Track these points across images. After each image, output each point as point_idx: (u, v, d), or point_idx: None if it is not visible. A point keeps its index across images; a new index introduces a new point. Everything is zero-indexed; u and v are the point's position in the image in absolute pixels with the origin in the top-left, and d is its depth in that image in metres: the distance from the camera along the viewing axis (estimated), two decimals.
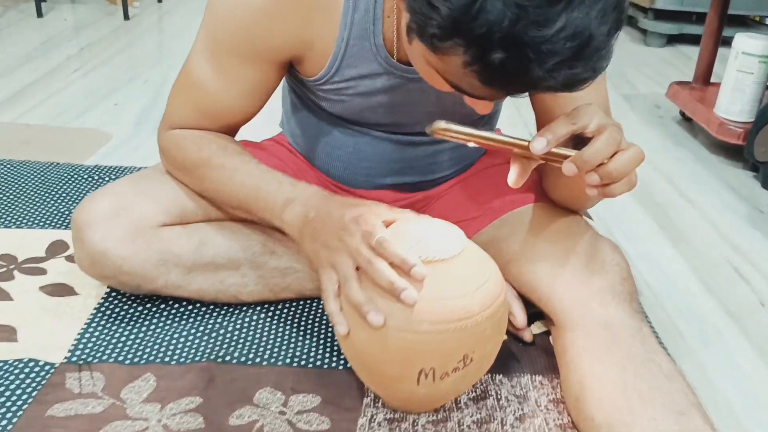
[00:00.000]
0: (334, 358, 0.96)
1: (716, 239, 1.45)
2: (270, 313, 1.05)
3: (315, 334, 1.02)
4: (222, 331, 1.01)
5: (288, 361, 0.95)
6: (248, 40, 0.90)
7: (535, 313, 1.00)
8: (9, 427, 0.83)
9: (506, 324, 0.85)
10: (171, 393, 0.89)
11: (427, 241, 0.79)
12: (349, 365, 0.92)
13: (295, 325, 1.03)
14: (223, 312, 1.05)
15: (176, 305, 1.06)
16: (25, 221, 1.27)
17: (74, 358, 0.94)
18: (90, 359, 0.95)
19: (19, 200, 1.35)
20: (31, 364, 0.93)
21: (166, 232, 0.98)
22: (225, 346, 0.98)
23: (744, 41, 1.78)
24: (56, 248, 1.19)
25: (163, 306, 1.05)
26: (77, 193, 1.39)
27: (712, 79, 2.05)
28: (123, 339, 0.99)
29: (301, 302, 1.08)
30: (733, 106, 1.80)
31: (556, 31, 0.60)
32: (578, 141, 0.78)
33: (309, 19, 0.88)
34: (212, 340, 0.99)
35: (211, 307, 1.05)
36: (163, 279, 0.99)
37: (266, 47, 0.91)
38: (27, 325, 1.00)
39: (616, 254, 0.92)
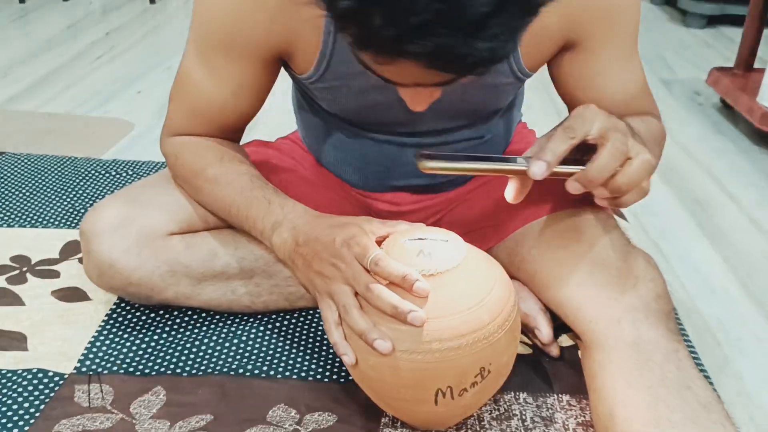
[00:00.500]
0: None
1: (758, 239, 1.38)
2: (285, 323, 1.01)
3: (331, 346, 0.97)
4: (236, 341, 0.97)
5: (303, 374, 0.92)
6: (231, 35, 0.86)
7: (562, 325, 0.95)
8: None
9: (520, 327, 0.80)
10: (181, 409, 0.86)
11: (426, 253, 0.74)
12: None
13: (311, 336, 0.99)
14: (236, 321, 1.01)
15: (189, 312, 1.02)
16: (39, 220, 1.25)
17: (84, 369, 0.92)
18: (100, 370, 0.92)
19: (35, 197, 1.32)
20: (40, 375, 0.90)
21: (174, 241, 0.94)
22: (238, 357, 0.94)
23: None
24: (70, 249, 1.16)
25: (176, 314, 1.02)
26: (94, 190, 1.36)
27: (756, 65, 1.95)
28: (134, 348, 0.96)
29: (318, 312, 1.04)
30: None
31: None
32: (584, 148, 0.73)
33: (292, 11, 0.83)
34: (225, 351, 0.96)
35: (225, 315, 1.02)
36: (173, 290, 0.96)
37: (249, 42, 0.86)
38: (38, 333, 0.98)
39: (651, 268, 0.86)
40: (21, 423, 0.83)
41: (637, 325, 0.80)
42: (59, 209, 1.29)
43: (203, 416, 0.85)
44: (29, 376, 0.90)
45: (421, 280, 0.71)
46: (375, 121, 0.97)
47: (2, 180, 1.38)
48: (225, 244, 0.97)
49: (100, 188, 1.37)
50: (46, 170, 1.43)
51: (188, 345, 0.97)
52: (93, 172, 1.43)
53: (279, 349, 0.96)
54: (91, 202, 1.32)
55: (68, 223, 1.24)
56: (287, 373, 0.92)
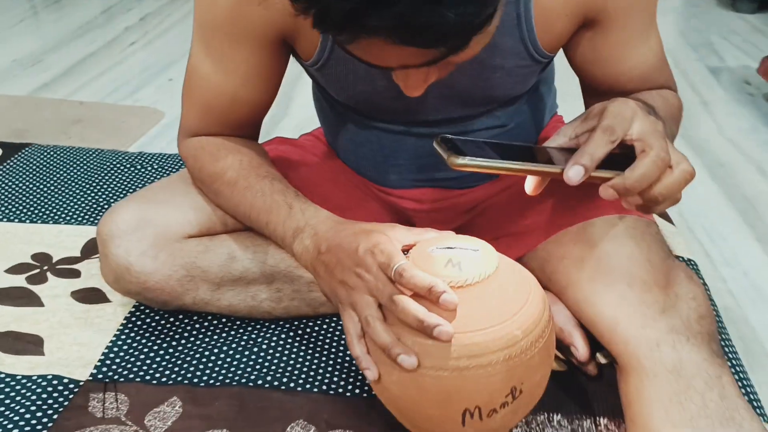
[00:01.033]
0: None
1: None
2: (308, 330, 0.98)
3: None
4: (255, 350, 0.94)
5: (324, 388, 0.88)
6: (232, 20, 0.82)
7: (597, 341, 0.89)
8: None
9: (554, 345, 0.75)
10: (197, 422, 0.83)
11: (454, 263, 0.69)
12: None
13: (334, 345, 0.95)
14: (257, 328, 0.98)
15: (208, 318, 0.99)
16: (62, 216, 1.23)
17: (100, 375, 0.89)
18: (116, 377, 0.89)
19: (59, 192, 1.31)
20: (55, 382, 0.88)
21: (192, 245, 0.91)
22: (258, 367, 0.91)
23: None
24: (92, 248, 1.14)
25: (195, 318, 0.99)
26: (119, 185, 1.34)
27: None
28: (152, 355, 0.93)
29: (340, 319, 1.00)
30: None
31: None
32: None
33: None
34: (244, 360, 0.92)
35: (245, 322, 0.98)
36: (191, 295, 0.92)
37: (251, 26, 0.82)
38: (55, 336, 0.96)
39: (692, 284, 0.80)
40: None
41: (678, 348, 0.74)
42: (82, 205, 1.27)
43: (219, 431, 0.82)
44: (44, 383, 0.88)
45: (449, 291, 0.66)
46: (386, 110, 0.91)
47: (28, 173, 1.36)
48: (244, 248, 0.93)
49: (125, 183, 1.35)
50: (71, 163, 1.41)
51: (206, 353, 0.93)
52: (118, 165, 1.40)
53: (300, 359, 0.93)
54: (114, 197, 1.29)
55: (90, 219, 1.22)
56: (308, 386, 0.88)
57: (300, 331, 0.97)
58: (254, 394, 0.87)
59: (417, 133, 0.94)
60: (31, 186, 1.32)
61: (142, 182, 1.35)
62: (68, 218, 1.22)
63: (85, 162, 1.42)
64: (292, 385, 0.88)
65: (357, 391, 0.87)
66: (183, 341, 0.95)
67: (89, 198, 1.29)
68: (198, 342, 0.95)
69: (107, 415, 0.84)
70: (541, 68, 0.90)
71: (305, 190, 0.99)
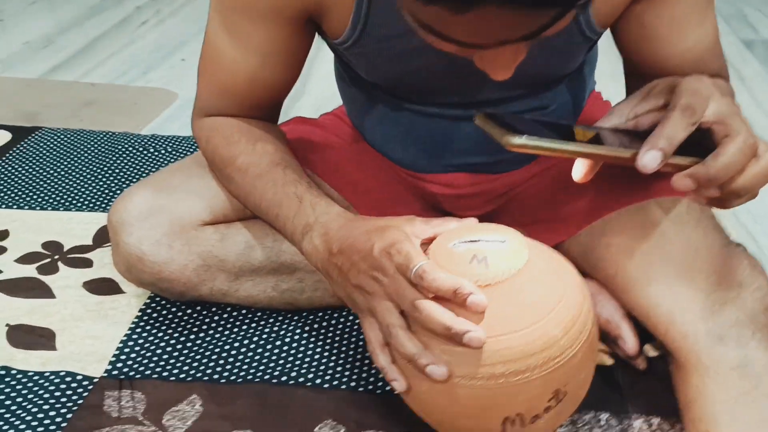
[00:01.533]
0: None
1: None
2: (333, 322, 0.92)
3: None
4: (278, 343, 0.89)
5: (353, 384, 0.82)
6: None
7: (645, 331, 0.83)
8: None
9: (598, 338, 0.68)
10: (218, 422, 0.78)
11: (479, 258, 0.61)
12: None
13: (360, 339, 0.90)
14: (279, 320, 0.92)
15: (228, 309, 0.94)
16: (73, 202, 1.18)
17: (115, 372, 0.84)
18: (132, 373, 0.84)
19: (70, 177, 1.25)
20: (68, 378, 0.83)
21: (208, 233, 0.85)
22: (281, 362, 0.86)
23: None
24: (104, 235, 1.09)
25: (213, 310, 0.94)
26: (131, 169, 1.28)
27: None
28: (169, 349, 0.88)
29: None
30: None
31: None
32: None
33: None
34: (266, 354, 0.87)
35: (265, 314, 0.93)
36: (208, 286, 0.87)
37: (274, 1, 0.75)
38: (67, 330, 0.91)
39: (757, 273, 0.73)
40: None
41: (743, 343, 0.68)
42: (94, 190, 1.21)
43: None
44: (56, 380, 0.83)
45: (476, 292, 0.59)
46: (421, 90, 0.85)
47: (38, 158, 1.31)
48: (263, 236, 0.87)
49: (137, 167, 1.29)
50: (82, 147, 1.35)
51: (226, 347, 0.88)
52: (131, 148, 1.35)
53: (326, 354, 0.87)
54: (127, 182, 1.24)
55: (102, 206, 1.17)
56: (335, 382, 0.83)
57: (324, 323, 0.92)
58: (278, 391, 0.82)
59: (452, 115, 0.87)
60: (41, 171, 1.27)
61: (156, 166, 1.29)
62: (79, 205, 1.17)
63: (96, 145, 1.36)
64: (318, 381, 0.83)
65: (388, 387, 0.82)
66: (201, 334, 0.90)
67: (101, 183, 1.23)
68: (217, 335, 0.90)
69: (123, 414, 0.79)
70: (589, 46, 0.83)
71: (328, 172, 0.93)
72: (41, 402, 0.80)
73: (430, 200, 0.98)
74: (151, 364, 0.86)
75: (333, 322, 0.92)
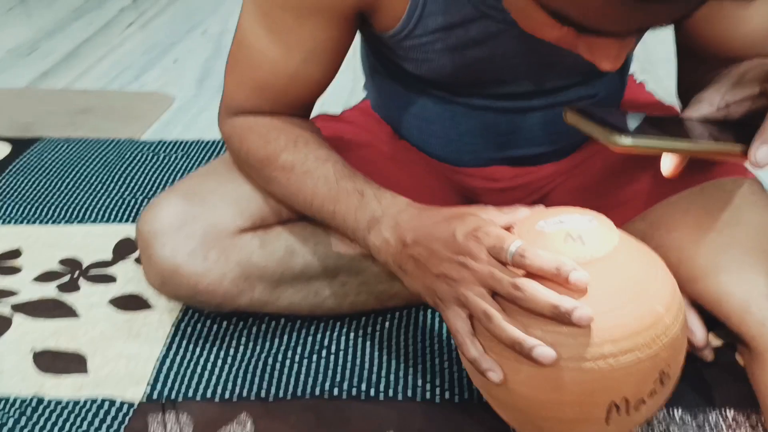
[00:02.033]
0: (472, 387, 0.79)
1: None
2: (378, 328, 0.88)
3: (438, 353, 0.84)
4: (324, 353, 0.84)
5: (410, 394, 0.78)
6: None
7: (708, 320, 0.80)
8: None
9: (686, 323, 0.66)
10: None
11: (574, 237, 0.59)
12: None
13: (410, 342, 0.86)
14: (321, 328, 0.88)
15: (266, 319, 0.89)
16: (87, 215, 1.12)
17: (156, 395, 0.80)
18: (174, 394, 0.79)
19: (79, 188, 1.19)
20: (107, 405, 0.78)
21: (246, 240, 0.81)
22: (330, 374, 0.81)
23: None
24: (124, 248, 1.04)
25: (251, 321, 0.89)
26: (141, 177, 1.23)
27: None
28: (209, 366, 0.83)
29: (413, 312, 0.90)
30: None
31: None
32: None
33: None
34: (314, 366, 0.83)
35: (307, 322, 0.89)
36: (247, 296, 0.82)
37: None
38: (98, 351, 0.86)
39: None
40: None
41: None
42: (107, 201, 1.16)
43: None
44: (93, 407, 0.78)
45: (578, 269, 0.56)
46: (472, 82, 0.82)
47: (43, 170, 1.25)
48: (304, 240, 0.83)
49: (149, 174, 1.24)
50: (87, 156, 1.30)
51: (270, 360, 0.84)
52: (139, 155, 1.29)
53: (376, 361, 0.83)
54: (140, 190, 1.18)
55: (118, 217, 1.12)
56: (391, 393, 0.78)
57: (370, 329, 0.88)
58: (332, 405, 0.77)
59: (499, 107, 0.84)
60: (48, 183, 1.21)
61: (167, 172, 1.24)
62: (94, 217, 1.12)
63: (101, 154, 1.30)
64: (372, 393, 0.79)
65: (447, 396, 0.78)
66: (242, 348, 0.86)
67: (113, 193, 1.18)
68: (258, 348, 0.86)
69: None
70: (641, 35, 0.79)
71: (364, 171, 0.89)
72: None
73: (470, 195, 0.95)
74: (193, 383, 0.81)
75: (378, 327, 0.88)
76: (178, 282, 0.80)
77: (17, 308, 0.92)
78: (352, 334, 0.87)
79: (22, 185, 1.20)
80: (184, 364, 0.83)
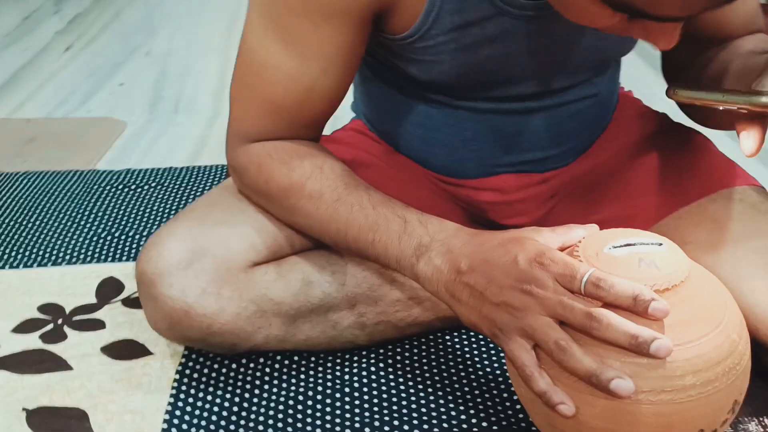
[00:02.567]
0: (508, 411, 0.76)
1: None
2: (399, 359, 0.84)
3: (466, 380, 0.81)
4: (347, 390, 0.80)
5: (445, 425, 0.74)
6: None
7: None
8: None
9: None
10: None
11: (647, 262, 0.57)
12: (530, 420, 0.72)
13: (435, 370, 0.82)
14: (338, 362, 0.83)
15: (277, 357, 0.84)
16: (61, 255, 1.04)
17: None
18: None
19: (49, 226, 1.11)
20: None
21: (260, 273, 0.76)
22: (357, 411, 0.77)
23: None
24: (108, 290, 0.96)
25: (261, 360, 0.84)
26: (114, 210, 1.15)
27: None
28: (223, 413, 0.77)
29: (432, 339, 0.87)
30: None
31: None
32: None
33: None
34: (337, 404, 0.78)
35: (322, 357, 0.84)
36: (263, 333, 0.77)
37: None
38: (99, 406, 0.79)
39: None
40: None
41: None
42: (80, 238, 1.08)
43: None
44: None
45: (657, 298, 0.54)
46: (481, 83, 0.79)
47: (2, 208, 1.16)
48: (321, 270, 0.79)
49: (122, 207, 1.16)
50: (50, 190, 1.21)
51: (290, 401, 0.78)
52: (108, 186, 1.21)
53: (404, 394, 0.79)
54: (115, 225, 1.11)
55: (96, 256, 1.04)
56: (425, 426, 0.74)
57: (390, 360, 0.84)
58: None
59: (505, 109, 0.82)
60: (11, 223, 1.12)
61: (142, 204, 1.16)
62: (69, 257, 1.03)
63: (64, 187, 1.22)
64: (406, 428, 0.75)
65: (484, 424, 0.74)
66: (256, 391, 0.80)
67: (85, 229, 1.10)
68: (275, 390, 0.80)
69: None
70: None
71: None
72: None
73: (477, 211, 0.92)
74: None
75: (399, 357, 0.84)
76: (188, 324, 0.74)
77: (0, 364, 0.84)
78: (372, 368, 0.83)
79: None
80: (196, 413, 0.77)
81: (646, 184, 0.86)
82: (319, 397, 0.79)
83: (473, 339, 0.86)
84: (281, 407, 0.78)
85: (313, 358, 0.84)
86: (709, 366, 0.55)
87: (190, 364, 0.83)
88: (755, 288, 0.72)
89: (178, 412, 0.77)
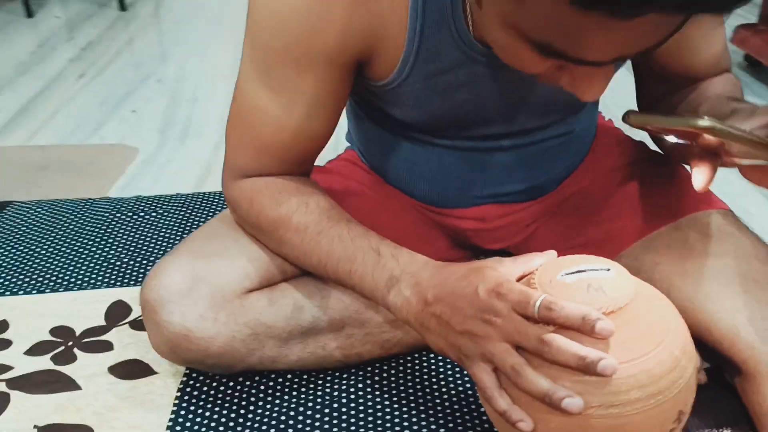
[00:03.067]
0: (485, 425, 0.81)
1: None
2: (385, 376, 0.90)
3: (447, 396, 0.86)
4: (335, 406, 0.85)
5: None
6: (302, 42, 0.72)
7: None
8: None
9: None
10: None
11: (594, 287, 0.62)
12: None
13: (418, 388, 0.87)
14: (329, 379, 0.89)
15: (272, 375, 0.90)
16: (73, 281, 1.10)
17: None
18: None
19: (61, 253, 1.17)
20: None
21: (253, 300, 0.82)
22: (344, 425, 0.82)
23: None
24: (116, 313, 1.03)
25: (257, 379, 0.89)
26: (123, 236, 1.21)
27: None
28: (221, 428, 0.83)
29: (416, 358, 0.92)
30: None
31: None
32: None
33: (370, 6, 0.71)
34: (326, 419, 0.83)
35: (313, 375, 0.89)
36: (257, 355, 0.83)
37: (324, 47, 0.73)
38: (105, 423, 0.85)
39: None
40: None
41: None
42: (91, 265, 1.14)
43: None
44: None
45: (603, 319, 0.59)
46: (461, 124, 0.85)
47: (17, 237, 1.22)
48: (310, 295, 0.84)
49: (130, 233, 1.22)
50: (62, 218, 1.28)
51: (282, 417, 0.84)
52: (117, 213, 1.28)
53: (388, 409, 0.84)
54: (125, 251, 1.17)
55: (105, 281, 1.10)
56: None
57: (377, 378, 0.89)
58: None
59: (483, 147, 0.88)
60: (25, 250, 1.18)
61: (149, 230, 1.23)
62: (80, 283, 1.10)
63: (76, 215, 1.28)
64: None
65: None
66: (251, 407, 0.86)
67: (96, 255, 1.16)
68: (268, 406, 0.86)
69: None
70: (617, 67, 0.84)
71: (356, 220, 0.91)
72: None
73: (461, 238, 0.97)
74: None
75: (385, 375, 0.90)
76: (187, 347, 0.80)
77: (13, 384, 0.90)
78: (360, 384, 0.88)
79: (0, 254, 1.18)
80: (195, 428, 0.83)
81: (623, 208, 0.91)
82: (309, 413, 0.85)
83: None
84: (273, 422, 0.83)
85: (305, 377, 0.89)
86: (652, 381, 0.59)
87: (191, 382, 0.89)
88: (718, 306, 0.76)
89: (178, 428, 0.83)
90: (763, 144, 0.60)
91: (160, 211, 1.28)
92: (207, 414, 0.85)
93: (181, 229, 1.23)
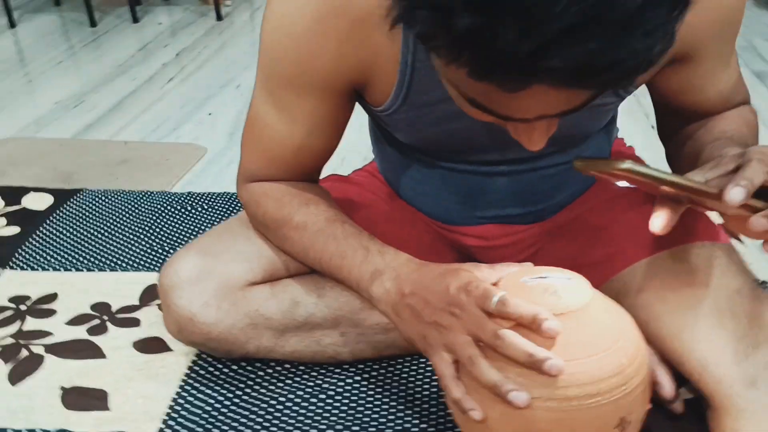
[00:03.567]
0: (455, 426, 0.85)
1: None
2: (374, 374, 0.96)
3: (428, 398, 0.91)
4: (322, 396, 0.92)
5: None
6: (299, 69, 0.80)
7: (680, 374, 0.85)
8: None
9: (651, 384, 0.72)
10: None
11: (551, 291, 0.67)
12: None
13: (407, 388, 0.93)
14: (323, 373, 0.96)
15: (272, 364, 0.97)
16: (118, 263, 1.23)
17: (168, 431, 0.88)
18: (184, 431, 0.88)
19: (113, 238, 1.30)
20: None
21: (255, 292, 0.90)
22: (334, 414, 0.89)
23: None
24: (150, 295, 1.13)
25: (258, 365, 0.97)
26: (169, 228, 1.33)
27: None
28: (218, 406, 0.91)
29: (406, 361, 0.98)
30: None
31: None
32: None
33: (363, 39, 0.77)
34: (316, 408, 0.90)
35: (309, 367, 0.97)
36: (254, 343, 0.91)
37: (319, 75, 0.80)
38: (120, 389, 0.95)
39: None
40: None
41: None
42: (137, 250, 1.26)
43: None
44: None
45: (552, 319, 0.64)
46: (458, 150, 0.90)
47: (81, 220, 1.36)
48: (308, 292, 0.91)
49: (175, 225, 1.34)
50: (122, 207, 1.41)
51: (273, 402, 0.92)
52: (168, 207, 1.40)
53: (369, 405, 0.90)
54: (167, 241, 1.29)
55: (146, 265, 1.22)
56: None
57: (366, 375, 0.95)
58: None
59: (484, 171, 0.92)
60: (85, 233, 1.32)
61: (193, 223, 1.34)
62: (124, 265, 1.22)
63: (135, 205, 1.42)
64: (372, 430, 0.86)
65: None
66: (248, 390, 0.94)
67: (143, 243, 1.28)
68: (263, 391, 0.94)
69: None
70: (620, 102, 0.87)
71: (368, 229, 0.97)
72: None
73: (465, 253, 1.02)
74: (202, 421, 0.89)
75: (374, 374, 0.96)
76: (192, 330, 0.89)
77: (50, 349, 1.02)
78: (349, 380, 0.94)
79: (62, 234, 1.31)
80: (196, 404, 0.92)
81: (611, 236, 0.93)
82: (298, 400, 0.92)
83: None
84: (264, 407, 0.91)
85: (301, 367, 0.97)
86: (591, 381, 0.64)
87: (200, 362, 0.98)
88: (692, 337, 0.78)
89: (180, 401, 0.92)
90: (692, 187, 0.63)
91: (206, 207, 1.39)
92: (209, 392, 0.94)
93: (217, 224, 1.33)
